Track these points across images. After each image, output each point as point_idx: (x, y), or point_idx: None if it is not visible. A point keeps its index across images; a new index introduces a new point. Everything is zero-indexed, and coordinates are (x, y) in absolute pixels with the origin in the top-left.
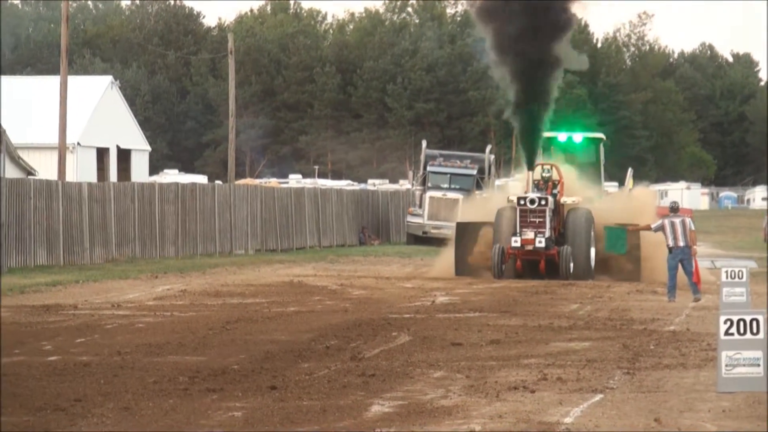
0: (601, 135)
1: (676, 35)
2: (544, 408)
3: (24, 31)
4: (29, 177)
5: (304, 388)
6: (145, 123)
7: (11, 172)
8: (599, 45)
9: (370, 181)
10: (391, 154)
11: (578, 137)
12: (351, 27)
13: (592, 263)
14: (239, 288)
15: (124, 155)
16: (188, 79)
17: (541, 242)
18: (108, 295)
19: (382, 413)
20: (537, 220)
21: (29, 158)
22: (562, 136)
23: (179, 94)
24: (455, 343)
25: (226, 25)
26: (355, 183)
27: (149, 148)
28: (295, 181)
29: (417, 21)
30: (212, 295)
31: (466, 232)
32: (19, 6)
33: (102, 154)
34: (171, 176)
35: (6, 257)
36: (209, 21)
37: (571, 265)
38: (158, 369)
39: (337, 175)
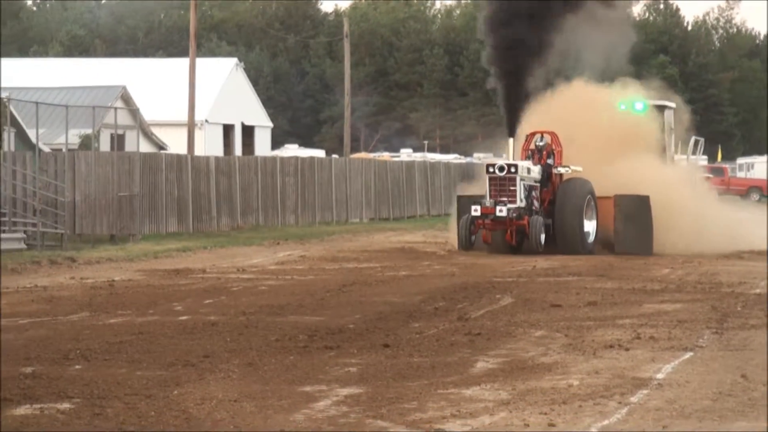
0: (666, 102)
1: (762, 19)
2: (638, 365)
3: (156, 18)
4: (161, 151)
5: (415, 345)
6: (267, 101)
7: (145, 147)
8: (689, 28)
9: (475, 154)
10: (495, 130)
11: (640, 105)
12: (458, 12)
13: (588, 236)
14: (354, 253)
15: (248, 131)
16: (307, 60)
17: (501, 211)
18: (233, 260)
19: (486, 369)
20: (508, 188)
21: (161, 134)
22: (639, 104)
23: (299, 74)
24: (555, 304)
25: (342, 10)
26: (462, 156)
27: (271, 125)
28: (405, 155)
29: None
30: (329, 260)
31: (466, 205)
32: None
33: (228, 130)
34: (291, 150)
35: (140, 225)
36: (326, 7)
37: (542, 236)
38: (280, 328)
39: (445, 149)
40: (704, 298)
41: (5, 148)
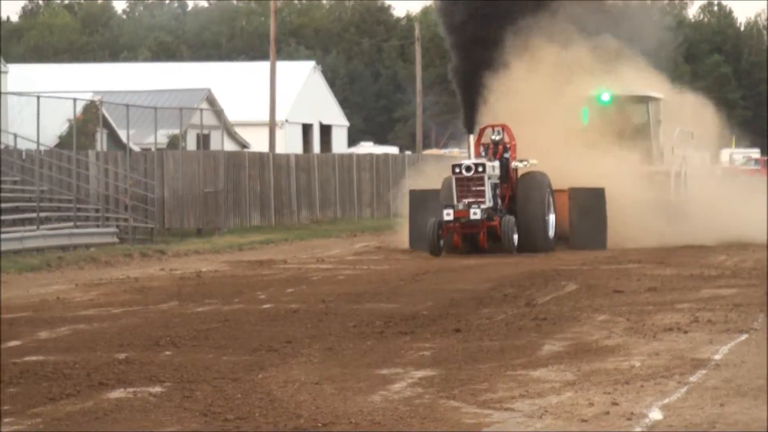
0: (652, 93)
1: None
2: (696, 346)
3: (239, 24)
4: (244, 150)
5: (485, 330)
6: (343, 102)
7: (229, 146)
8: (742, 28)
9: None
10: None
11: (606, 96)
12: None
13: (550, 232)
14: None
15: (325, 130)
16: (381, 63)
17: (476, 214)
18: (313, 252)
19: (553, 352)
20: (475, 188)
21: (244, 133)
22: (605, 95)
23: (373, 76)
24: (617, 290)
25: (413, 15)
26: None
27: (347, 124)
28: None
29: None
30: (403, 251)
31: (419, 200)
32: (234, 2)
33: (306, 129)
34: (366, 148)
35: (225, 219)
36: (398, 12)
37: (515, 236)
38: (357, 315)
39: None
40: (759, 284)
41: (98, 148)
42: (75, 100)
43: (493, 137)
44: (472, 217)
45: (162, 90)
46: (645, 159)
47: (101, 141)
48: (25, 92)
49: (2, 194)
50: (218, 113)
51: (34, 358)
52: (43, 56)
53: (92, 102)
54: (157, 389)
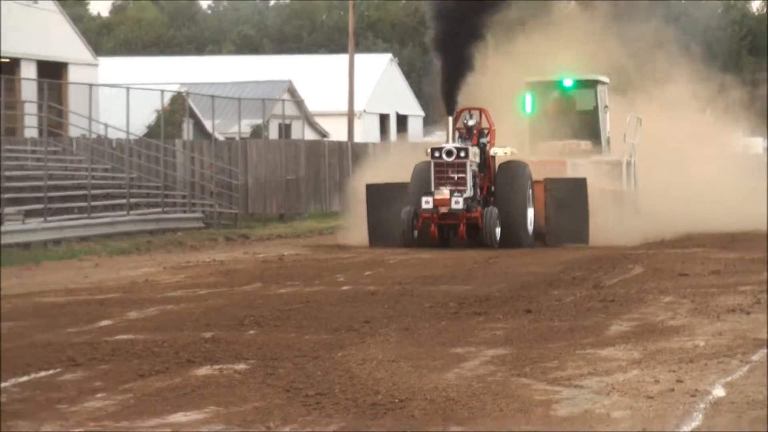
0: (599, 77)
1: None
2: (758, 327)
3: (319, 18)
4: (324, 139)
5: (555, 311)
6: (419, 93)
7: (309, 135)
8: None
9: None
10: None
11: (569, 81)
12: None
13: (530, 226)
14: None
15: (402, 120)
16: None
17: (458, 203)
18: None
19: (620, 332)
20: (456, 176)
21: (324, 123)
22: (567, 81)
23: None
24: (682, 273)
25: None
26: None
27: (423, 114)
28: None
29: None
30: None
31: (377, 195)
32: None
33: (383, 119)
34: (440, 137)
35: (305, 205)
36: None
37: (498, 230)
38: (432, 296)
39: None
40: None
41: (185, 137)
42: (162, 91)
43: (466, 121)
44: (454, 206)
45: (245, 82)
46: (594, 149)
47: (187, 130)
48: (115, 84)
49: (94, 181)
50: (299, 104)
51: (124, 336)
52: (132, 50)
53: (179, 93)
54: (242, 366)
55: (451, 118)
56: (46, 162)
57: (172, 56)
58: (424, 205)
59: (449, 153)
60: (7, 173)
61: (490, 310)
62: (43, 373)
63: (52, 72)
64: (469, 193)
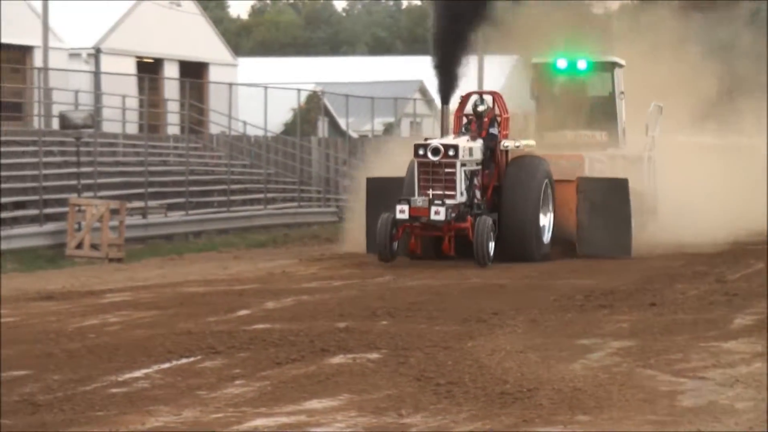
0: (616, 59)
1: None
2: None
3: None
4: None
5: (679, 304)
6: None
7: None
8: None
9: None
10: None
11: (583, 63)
12: None
13: (545, 236)
14: None
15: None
16: None
17: (438, 213)
18: None
19: (743, 325)
20: (443, 178)
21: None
22: (561, 62)
23: None
24: None
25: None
26: None
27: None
28: None
29: None
30: None
31: (379, 191)
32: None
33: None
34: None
35: None
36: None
37: (492, 244)
38: (559, 289)
39: None
40: None
41: (320, 134)
42: (299, 90)
43: (477, 108)
44: (433, 217)
45: (378, 81)
46: (610, 140)
47: (322, 128)
48: (253, 83)
49: (233, 177)
50: (430, 103)
51: (262, 326)
52: (270, 50)
53: (314, 93)
54: (375, 355)
55: (446, 107)
56: (188, 158)
57: (308, 57)
58: (399, 215)
59: (435, 151)
60: (151, 168)
61: (615, 303)
62: (184, 360)
63: (193, 72)
64: (459, 199)
